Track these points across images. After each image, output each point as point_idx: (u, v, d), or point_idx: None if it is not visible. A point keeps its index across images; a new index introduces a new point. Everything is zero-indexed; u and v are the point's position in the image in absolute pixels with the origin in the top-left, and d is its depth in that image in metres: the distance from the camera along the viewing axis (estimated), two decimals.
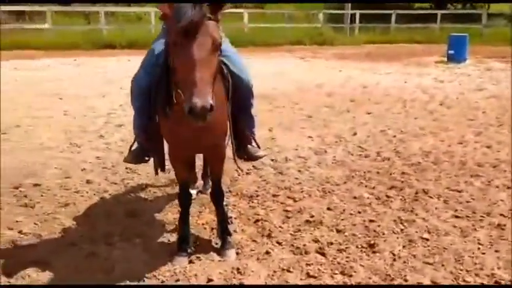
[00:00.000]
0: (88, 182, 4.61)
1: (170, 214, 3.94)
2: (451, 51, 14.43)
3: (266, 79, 9.76)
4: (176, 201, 4.10)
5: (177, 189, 4.35)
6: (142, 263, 3.11)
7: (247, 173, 4.79)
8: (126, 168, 4.94)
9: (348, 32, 21.97)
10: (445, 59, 14.68)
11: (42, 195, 4.27)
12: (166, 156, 3.28)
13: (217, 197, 3.30)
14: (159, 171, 3.40)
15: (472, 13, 24.04)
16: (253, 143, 3.50)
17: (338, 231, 3.60)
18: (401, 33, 21.59)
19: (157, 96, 2.89)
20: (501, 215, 3.86)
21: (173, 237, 3.49)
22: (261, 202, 4.16)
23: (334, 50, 18.01)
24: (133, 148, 3.50)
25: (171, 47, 2.41)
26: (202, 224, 3.73)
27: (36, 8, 17.86)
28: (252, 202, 4.16)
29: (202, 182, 4.38)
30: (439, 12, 21.91)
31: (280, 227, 3.67)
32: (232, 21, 18.00)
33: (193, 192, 4.26)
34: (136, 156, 3.43)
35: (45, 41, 16.50)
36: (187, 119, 2.28)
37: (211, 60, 2.36)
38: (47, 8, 17.56)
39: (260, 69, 10.21)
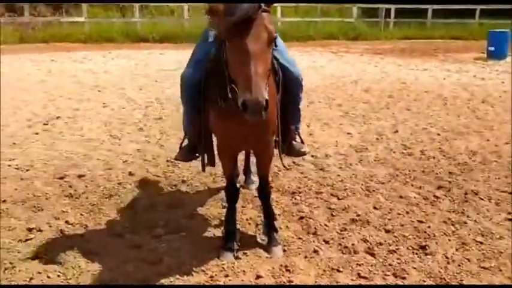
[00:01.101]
0: (130, 174, 4.63)
1: (213, 208, 3.91)
2: (492, 48, 13.97)
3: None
4: (218, 196, 4.11)
5: (218, 184, 4.41)
6: (190, 256, 3.09)
7: (287, 169, 4.71)
8: (167, 161, 4.95)
9: (382, 26, 21.54)
10: (485, 55, 14.23)
11: (86, 186, 4.31)
12: (215, 152, 3.26)
13: (265, 193, 3.26)
14: (206, 166, 3.37)
15: None
16: (298, 139, 3.44)
17: (386, 231, 3.50)
18: (437, 29, 21.06)
19: (207, 90, 2.86)
20: None
21: (218, 232, 3.46)
22: (304, 199, 4.08)
23: (367, 45, 17.72)
24: (183, 145, 3.50)
25: (225, 40, 2.35)
26: (247, 220, 3.68)
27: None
28: (295, 199, 4.09)
29: (243, 176, 4.34)
30: (478, 7, 21.24)
31: (325, 225, 3.59)
32: None
33: None
34: (186, 153, 3.42)
35: (82, 33, 16.77)
36: (242, 114, 2.24)
37: (267, 54, 2.30)
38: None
39: None
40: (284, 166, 3.51)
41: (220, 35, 2.42)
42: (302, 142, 3.47)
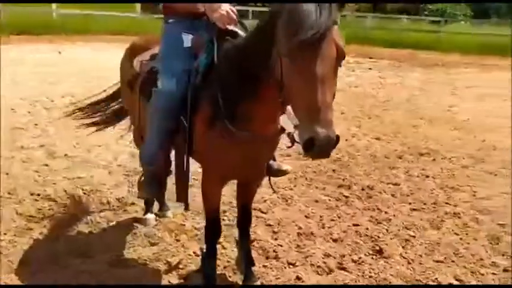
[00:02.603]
0: None
1: (141, 249, 3.22)
2: None
3: None
4: (143, 232, 3.43)
5: (129, 215, 3.68)
6: None
7: (275, 192, 4.19)
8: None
9: None
10: None
11: None
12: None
13: (248, 224, 2.82)
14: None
15: None
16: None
17: (334, 240, 3.48)
18: None
19: (195, 110, 2.32)
20: (455, 205, 4.27)
21: (174, 279, 2.86)
22: (232, 218, 3.72)
23: None
24: (141, 178, 2.74)
25: (283, 57, 1.84)
26: (194, 253, 3.15)
27: None
28: (223, 220, 3.69)
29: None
30: None
31: (279, 245, 3.34)
32: None
33: (150, 217, 3.59)
34: (152, 186, 2.69)
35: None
36: (305, 154, 1.82)
37: (335, 77, 1.86)
38: None
39: None
40: (273, 190, 3.04)
41: (279, 52, 1.88)
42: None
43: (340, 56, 1.82)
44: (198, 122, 2.36)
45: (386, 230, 3.68)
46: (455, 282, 3.03)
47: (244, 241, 2.84)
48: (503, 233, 3.71)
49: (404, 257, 3.29)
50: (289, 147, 2.01)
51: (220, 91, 2.23)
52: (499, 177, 4.95)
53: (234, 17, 2.39)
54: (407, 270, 3.12)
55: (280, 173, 2.91)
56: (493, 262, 3.29)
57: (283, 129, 2.23)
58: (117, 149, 5.27)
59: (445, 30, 20.62)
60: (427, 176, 4.95)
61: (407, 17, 23.24)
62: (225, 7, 2.38)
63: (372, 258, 3.27)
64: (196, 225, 3.59)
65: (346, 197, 4.32)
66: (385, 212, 4.02)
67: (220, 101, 2.22)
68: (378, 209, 4.09)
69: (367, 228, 3.67)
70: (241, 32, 2.45)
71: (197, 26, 2.56)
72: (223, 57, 2.29)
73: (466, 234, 3.70)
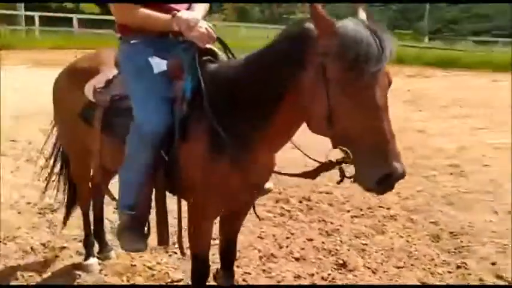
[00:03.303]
0: None
1: None
2: None
3: None
4: (88, 280, 2.97)
5: (65, 262, 3.16)
6: None
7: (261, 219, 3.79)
8: None
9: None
10: None
11: None
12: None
13: (234, 258, 2.56)
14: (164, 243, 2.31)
15: None
16: None
17: (297, 259, 3.38)
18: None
19: (192, 140, 2.07)
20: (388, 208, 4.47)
21: None
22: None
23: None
24: (122, 227, 2.29)
25: (336, 87, 1.64)
26: None
27: None
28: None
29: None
30: None
31: (247, 273, 3.14)
32: None
33: (92, 262, 3.14)
34: (136, 235, 2.26)
35: None
36: (372, 190, 1.70)
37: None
38: None
39: None
40: (258, 217, 2.75)
41: (330, 81, 1.66)
42: None
43: (390, 84, 1.72)
44: (192, 156, 2.07)
45: (340, 241, 3.69)
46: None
47: (230, 279, 2.58)
48: (439, 230, 3.97)
49: (368, 267, 3.32)
50: (339, 182, 1.81)
51: (220, 120, 1.98)
52: (414, 176, 5.29)
53: (214, 35, 2.16)
54: (376, 280, 3.15)
55: (264, 192, 2.72)
56: (444, 260, 3.47)
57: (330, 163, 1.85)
58: (17, 183, 4.55)
59: None
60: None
61: None
62: (203, 24, 2.14)
63: (339, 273, 3.23)
64: (147, 263, 3.20)
65: (288, 211, 4.26)
66: (331, 223, 4.04)
67: (221, 131, 1.96)
68: (323, 220, 4.09)
69: (323, 242, 3.64)
70: (219, 52, 2.23)
71: (167, 46, 2.27)
72: (215, 81, 2.05)
73: (409, 236, 3.88)
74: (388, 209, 4.42)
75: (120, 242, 2.29)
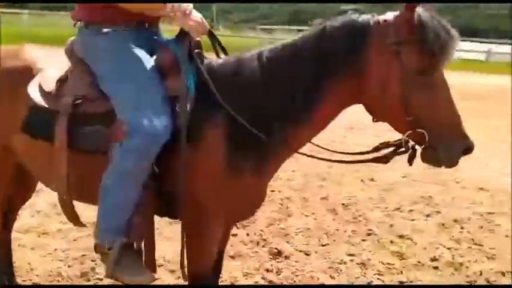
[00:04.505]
0: None
1: None
2: None
3: None
4: None
5: None
6: None
7: None
8: None
9: None
10: None
11: None
12: None
13: (220, 273, 2.32)
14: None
15: None
16: None
17: (233, 257, 3.28)
18: None
19: (203, 144, 1.81)
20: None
21: None
22: None
23: None
24: (116, 257, 1.79)
25: (418, 72, 1.68)
26: None
27: None
28: None
29: None
30: None
31: None
32: None
33: None
34: (134, 262, 1.84)
35: None
36: (453, 164, 1.78)
37: None
38: None
39: None
40: None
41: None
42: None
43: None
44: (204, 164, 1.80)
45: (261, 231, 3.69)
46: None
47: None
48: (333, 204, 4.34)
49: (299, 250, 3.42)
50: (411, 163, 1.79)
51: (249, 114, 1.77)
52: (347, 177, 5.20)
53: (207, 26, 1.91)
54: (315, 261, 3.28)
55: None
56: (353, 231, 3.80)
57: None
58: None
59: None
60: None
61: None
62: (197, 14, 1.88)
63: (278, 261, 3.25)
64: None
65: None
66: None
67: (250, 127, 1.75)
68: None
69: (247, 234, 3.61)
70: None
71: (144, 38, 1.92)
72: (221, 76, 1.85)
73: (313, 213, 4.13)
74: (279, 191, 4.59)
75: (117, 275, 1.86)
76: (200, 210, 1.87)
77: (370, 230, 3.82)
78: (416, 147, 1.77)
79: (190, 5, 1.87)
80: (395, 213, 4.23)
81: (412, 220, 4.08)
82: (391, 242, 3.63)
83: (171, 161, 1.80)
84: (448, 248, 3.55)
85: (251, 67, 1.83)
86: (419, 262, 3.31)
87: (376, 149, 1.87)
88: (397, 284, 3.06)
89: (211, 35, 1.98)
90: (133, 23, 1.89)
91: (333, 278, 3.07)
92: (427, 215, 4.19)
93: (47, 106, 1.89)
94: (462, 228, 3.95)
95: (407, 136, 1.73)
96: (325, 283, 3.01)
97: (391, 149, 1.83)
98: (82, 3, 1.90)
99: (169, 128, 1.76)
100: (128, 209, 1.82)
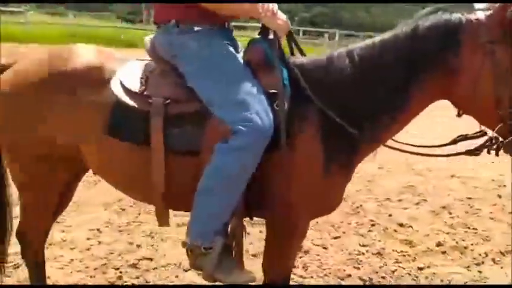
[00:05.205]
0: None
1: None
2: None
3: None
4: None
5: None
6: None
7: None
8: None
9: None
10: None
11: None
12: None
13: None
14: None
15: None
16: None
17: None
18: None
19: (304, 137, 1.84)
20: None
21: None
22: None
23: None
24: (215, 256, 1.76)
25: (507, 73, 1.73)
26: None
27: None
28: None
29: None
30: None
31: None
32: None
33: None
34: (232, 263, 1.83)
35: None
36: None
37: None
38: None
39: None
40: None
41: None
42: None
43: None
44: (302, 160, 1.81)
45: None
46: None
47: None
48: None
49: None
50: (497, 153, 1.85)
51: (339, 111, 1.80)
52: None
53: (290, 26, 1.92)
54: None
55: None
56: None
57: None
58: None
59: None
60: None
61: None
62: (282, 14, 1.87)
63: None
64: None
65: None
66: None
67: (345, 124, 1.79)
68: None
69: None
70: None
71: (227, 36, 1.92)
72: (310, 73, 1.86)
73: None
74: None
75: (218, 276, 1.81)
76: (292, 208, 1.88)
77: (372, 220, 3.98)
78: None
79: (276, 5, 1.86)
80: (387, 203, 4.44)
81: (405, 209, 4.30)
82: (395, 231, 3.81)
83: (264, 160, 1.79)
84: (447, 233, 3.80)
85: (342, 66, 1.85)
86: (428, 248, 3.52)
87: (454, 141, 1.97)
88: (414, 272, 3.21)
89: (289, 35, 1.97)
90: (220, 22, 1.86)
91: (358, 269, 3.17)
92: (417, 203, 4.45)
93: (136, 107, 1.79)
94: (451, 213, 4.23)
95: (496, 130, 1.83)
96: (352, 274, 3.11)
97: (479, 141, 1.91)
98: (183, 3, 1.82)
99: (271, 123, 1.74)
100: (230, 210, 1.78)
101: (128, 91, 1.83)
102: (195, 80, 1.80)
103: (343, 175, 1.89)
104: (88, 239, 3.36)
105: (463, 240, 3.67)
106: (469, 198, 4.66)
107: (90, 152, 1.89)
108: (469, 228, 3.93)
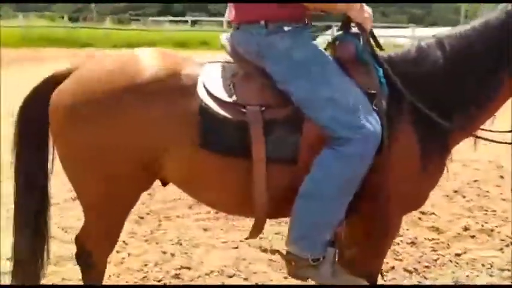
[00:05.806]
0: None
1: None
2: None
3: None
4: None
5: None
6: None
7: None
8: None
9: None
10: None
11: None
12: None
13: None
14: None
15: None
16: None
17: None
18: None
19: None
20: None
21: None
22: None
23: None
24: (329, 265, 1.73)
25: None
26: None
27: None
28: None
29: None
30: None
31: None
32: None
33: None
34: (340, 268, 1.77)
35: None
36: None
37: None
38: None
39: None
40: None
41: None
42: None
43: None
44: (397, 160, 1.76)
45: None
46: None
47: None
48: None
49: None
50: None
51: (431, 104, 1.78)
52: None
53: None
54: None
55: None
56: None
57: None
58: None
59: None
60: None
61: None
62: (367, 7, 1.80)
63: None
64: None
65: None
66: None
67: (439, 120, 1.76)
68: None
69: None
70: None
71: (311, 34, 1.86)
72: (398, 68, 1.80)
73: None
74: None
75: (335, 281, 1.74)
76: (389, 207, 1.82)
77: None
78: None
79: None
80: None
81: None
82: (419, 218, 3.83)
83: None
84: (468, 217, 3.87)
85: (433, 57, 1.81)
86: (458, 234, 3.56)
87: None
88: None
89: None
90: (306, 20, 1.78)
91: (401, 260, 3.17)
92: None
93: (230, 117, 1.67)
94: (464, 197, 4.32)
95: None
96: (395, 266, 3.10)
97: None
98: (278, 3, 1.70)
99: (378, 127, 1.68)
100: (339, 217, 1.70)
101: (216, 99, 1.71)
102: (289, 80, 1.71)
103: (437, 169, 1.86)
104: (118, 252, 3.17)
105: (486, 223, 3.74)
106: (475, 180, 4.77)
107: (177, 166, 1.75)
108: (486, 210, 4.02)
